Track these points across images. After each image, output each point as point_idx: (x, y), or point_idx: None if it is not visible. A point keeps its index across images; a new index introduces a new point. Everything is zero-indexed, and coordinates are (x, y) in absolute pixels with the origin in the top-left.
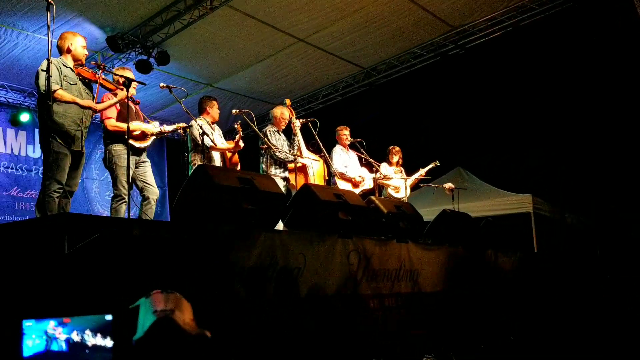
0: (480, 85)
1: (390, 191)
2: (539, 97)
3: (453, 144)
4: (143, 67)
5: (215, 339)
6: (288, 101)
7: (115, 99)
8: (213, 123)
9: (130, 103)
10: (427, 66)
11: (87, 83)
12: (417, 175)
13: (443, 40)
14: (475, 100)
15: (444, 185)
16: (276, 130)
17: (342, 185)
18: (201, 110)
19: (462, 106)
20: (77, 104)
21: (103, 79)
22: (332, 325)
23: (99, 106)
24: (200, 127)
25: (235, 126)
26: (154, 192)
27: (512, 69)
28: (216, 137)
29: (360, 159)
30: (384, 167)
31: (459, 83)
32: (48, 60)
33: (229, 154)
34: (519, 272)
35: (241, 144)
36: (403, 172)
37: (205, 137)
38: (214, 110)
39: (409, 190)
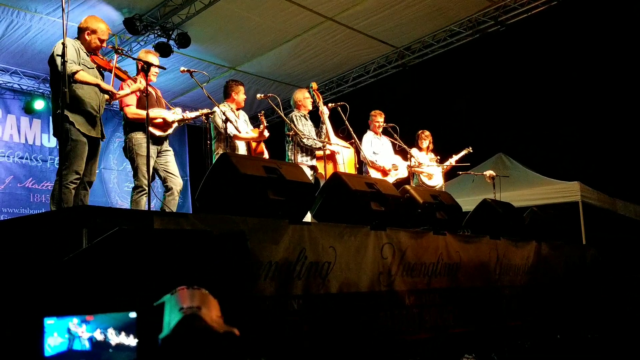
0: (522, 65)
1: (423, 178)
2: (587, 77)
3: (494, 129)
4: (162, 50)
5: (242, 337)
6: (314, 85)
7: (132, 87)
8: (238, 109)
9: (151, 88)
10: (465, 45)
11: (100, 71)
12: (447, 163)
13: (482, 16)
14: (517, 81)
15: (485, 173)
16: (302, 115)
17: (373, 174)
18: (226, 96)
19: (503, 88)
20: (99, 86)
21: (117, 67)
22: (365, 323)
23: (119, 93)
24: (223, 114)
25: (258, 115)
26: (177, 183)
27: (557, 47)
28: (241, 125)
29: (394, 145)
30: (414, 153)
31: (499, 63)
32: (63, 44)
33: (254, 144)
34: (566, 266)
35: (266, 133)
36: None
37: (229, 124)
38: (239, 96)
39: (441, 177)
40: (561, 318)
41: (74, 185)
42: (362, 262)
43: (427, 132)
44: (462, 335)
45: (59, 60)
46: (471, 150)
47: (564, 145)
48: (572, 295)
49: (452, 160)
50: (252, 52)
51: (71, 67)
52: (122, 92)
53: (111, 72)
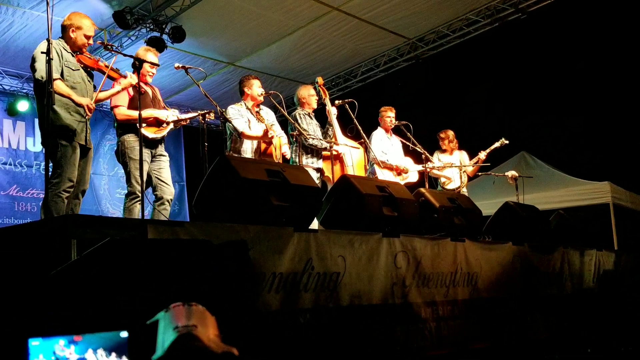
0: (546, 56)
1: (443, 182)
2: (614, 69)
3: (515, 126)
4: (155, 46)
5: (243, 357)
6: (320, 80)
7: (122, 84)
8: (258, 105)
9: (148, 87)
10: (483, 34)
11: (89, 71)
12: (475, 160)
13: (501, 3)
14: (540, 73)
15: (506, 174)
16: (307, 113)
17: (384, 174)
18: (241, 93)
19: (525, 81)
20: (71, 99)
21: (106, 66)
22: (378, 338)
23: (100, 95)
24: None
25: (256, 114)
26: (169, 192)
27: (583, 35)
28: (253, 123)
29: (405, 146)
30: (436, 158)
31: (520, 54)
32: (48, 41)
33: (263, 145)
34: (597, 273)
35: (270, 134)
36: (464, 156)
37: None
38: (253, 90)
39: (465, 178)
40: (592, 330)
41: (67, 195)
42: (374, 273)
43: (448, 132)
44: (484, 351)
45: (42, 59)
46: (506, 142)
47: (593, 142)
48: (604, 305)
49: (481, 156)
50: (252, 46)
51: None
52: (107, 93)
53: (100, 72)
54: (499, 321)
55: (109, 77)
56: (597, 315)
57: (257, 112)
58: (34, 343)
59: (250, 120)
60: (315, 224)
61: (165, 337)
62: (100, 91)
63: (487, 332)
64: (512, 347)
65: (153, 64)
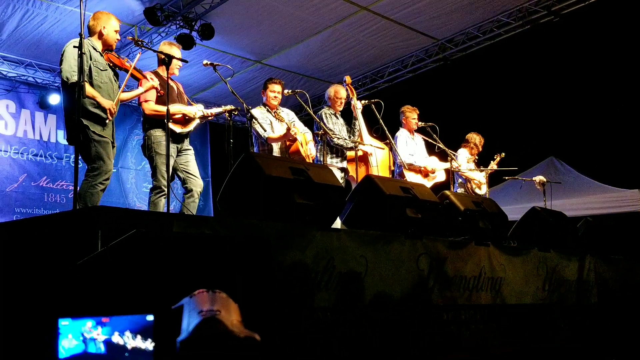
0: (578, 60)
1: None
2: None
3: (545, 130)
4: (184, 42)
5: (265, 345)
6: (348, 79)
7: (145, 86)
8: (273, 109)
9: (172, 83)
10: (514, 37)
11: (115, 71)
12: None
13: (533, 5)
14: (572, 77)
15: (534, 179)
16: (333, 112)
17: (410, 177)
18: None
19: (556, 84)
20: (96, 101)
21: (134, 68)
22: (398, 339)
23: (123, 95)
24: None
25: (274, 114)
26: (197, 184)
27: (617, 39)
28: (276, 125)
29: (432, 146)
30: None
31: (552, 57)
32: (81, 35)
33: (287, 142)
34: (625, 282)
35: (292, 131)
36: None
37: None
38: (266, 94)
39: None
40: (618, 340)
41: (103, 187)
42: (396, 274)
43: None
44: (505, 356)
45: (71, 57)
46: (503, 156)
47: (624, 149)
48: (631, 315)
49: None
50: (280, 44)
51: (73, 77)
52: (130, 93)
53: (126, 72)
54: (522, 327)
55: (133, 76)
56: (624, 325)
57: (276, 112)
58: (63, 323)
59: (272, 122)
60: (338, 223)
61: (189, 321)
62: (122, 91)
63: (509, 338)
64: (533, 353)
65: (182, 60)
